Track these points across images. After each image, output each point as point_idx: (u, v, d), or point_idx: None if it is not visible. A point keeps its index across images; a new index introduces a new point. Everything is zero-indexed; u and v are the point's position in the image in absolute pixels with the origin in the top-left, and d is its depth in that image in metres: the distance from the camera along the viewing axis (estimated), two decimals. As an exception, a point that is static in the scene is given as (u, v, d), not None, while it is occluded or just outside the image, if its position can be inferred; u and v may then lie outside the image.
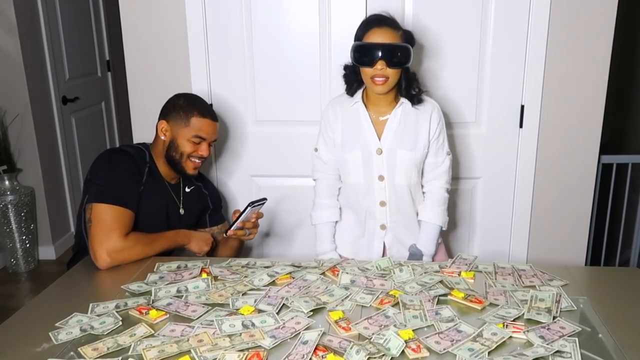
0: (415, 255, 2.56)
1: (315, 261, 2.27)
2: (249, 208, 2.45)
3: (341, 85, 2.59)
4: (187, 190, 2.71)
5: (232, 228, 2.50)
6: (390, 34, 2.36)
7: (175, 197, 2.64)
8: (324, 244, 2.65)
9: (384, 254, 2.60)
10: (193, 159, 2.54)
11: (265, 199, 2.53)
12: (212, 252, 2.64)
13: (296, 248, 3.26)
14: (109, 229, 2.29)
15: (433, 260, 2.61)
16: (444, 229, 2.63)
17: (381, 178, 2.52)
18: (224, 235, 2.56)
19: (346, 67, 2.56)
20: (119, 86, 5.78)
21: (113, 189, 2.36)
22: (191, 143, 2.52)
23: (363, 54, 2.37)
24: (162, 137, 2.55)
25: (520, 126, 3.02)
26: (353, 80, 2.54)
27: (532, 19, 2.87)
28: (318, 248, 2.67)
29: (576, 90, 2.96)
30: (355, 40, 2.42)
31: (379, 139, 2.49)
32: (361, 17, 2.49)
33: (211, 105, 3.07)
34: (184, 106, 2.54)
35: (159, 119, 2.58)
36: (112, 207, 2.33)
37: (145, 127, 3.09)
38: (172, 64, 3.07)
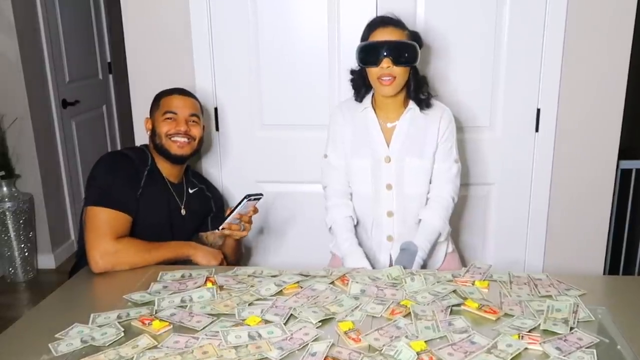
0: (407, 250, 2.47)
1: (324, 270, 2.27)
2: (245, 201, 2.46)
3: (350, 88, 2.60)
4: (190, 191, 2.75)
5: (227, 220, 2.51)
6: (395, 32, 2.37)
7: (178, 198, 2.67)
8: (345, 243, 2.55)
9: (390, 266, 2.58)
10: (174, 138, 2.58)
11: (261, 194, 2.52)
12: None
13: (304, 256, 3.25)
14: (101, 231, 2.34)
15: (440, 268, 2.62)
16: (442, 237, 2.59)
17: (389, 187, 2.52)
18: (217, 229, 2.57)
19: (353, 72, 2.57)
20: (120, 89, 5.79)
21: (110, 192, 2.41)
22: (165, 121, 2.60)
23: (368, 53, 2.38)
24: (148, 133, 2.66)
25: (536, 130, 3.02)
26: (361, 85, 2.55)
27: (548, 19, 2.87)
28: (341, 251, 2.57)
29: (594, 92, 2.96)
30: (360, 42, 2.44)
31: (388, 147, 2.49)
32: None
33: (216, 108, 3.09)
34: (156, 96, 2.69)
35: (148, 115, 2.72)
36: (107, 210, 2.37)
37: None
38: (176, 66, 3.08)
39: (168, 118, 2.59)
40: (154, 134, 2.62)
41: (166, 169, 2.63)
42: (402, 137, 2.49)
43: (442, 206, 2.56)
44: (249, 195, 2.47)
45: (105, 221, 2.36)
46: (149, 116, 2.69)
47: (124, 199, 2.42)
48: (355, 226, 2.62)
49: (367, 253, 2.55)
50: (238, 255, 2.78)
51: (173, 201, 2.65)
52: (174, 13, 3.01)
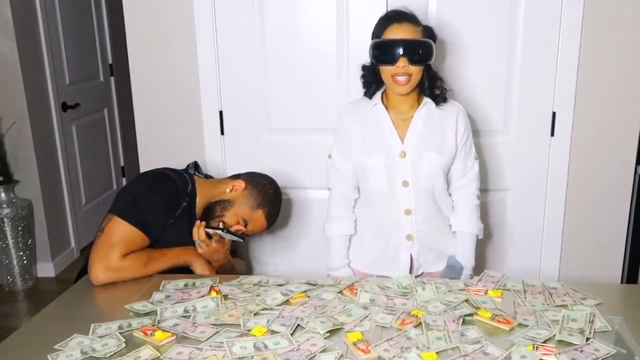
0: (454, 267, 2.56)
1: (332, 279, 2.27)
2: (222, 232, 2.50)
3: (360, 91, 2.60)
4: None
5: (210, 226, 2.52)
6: (410, 29, 2.36)
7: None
8: (337, 258, 2.66)
9: (411, 266, 2.59)
10: (219, 220, 2.56)
11: (244, 238, 2.61)
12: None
13: (311, 264, 3.24)
14: (113, 245, 2.33)
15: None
16: (480, 237, 2.63)
17: (405, 184, 2.50)
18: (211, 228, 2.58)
19: (364, 68, 2.56)
20: (122, 92, 5.81)
21: (140, 210, 2.40)
22: (237, 220, 2.57)
23: (383, 51, 2.36)
24: (228, 190, 2.60)
25: (552, 134, 3.02)
26: (372, 81, 2.53)
27: (564, 19, 2.86)
28: (330, 263, 2.68)
29: (611, 95, 2.96)
30: (373, 38, 2.42)
31: (402, 142, 2.49)
32: (382, 16, 2.50)
33: (221, 111, 3.10)
34: (265, 197, 2.63)
35: (244, 177, 2.66)
36: (129, 227, 2.37)
37: (150, 136, 3.10)
38: (180, 67, 3.08)
39: (240, 222, 2.57)
40: (227, 200, 2.58)
41: (202, 204, 2.61)
42: (418, 131, 2.47)
43: (471, 208, 2.60)
44: (229, 232, 2.52)
45: (122, 236, 2.35)
46: (247, 183, 2.61)
47: (151, 221, 2.42)
48: (368, 228, 2.65)
49: (384, 256, 2.61)
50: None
51: None
52: (178, 13, 3.01)
